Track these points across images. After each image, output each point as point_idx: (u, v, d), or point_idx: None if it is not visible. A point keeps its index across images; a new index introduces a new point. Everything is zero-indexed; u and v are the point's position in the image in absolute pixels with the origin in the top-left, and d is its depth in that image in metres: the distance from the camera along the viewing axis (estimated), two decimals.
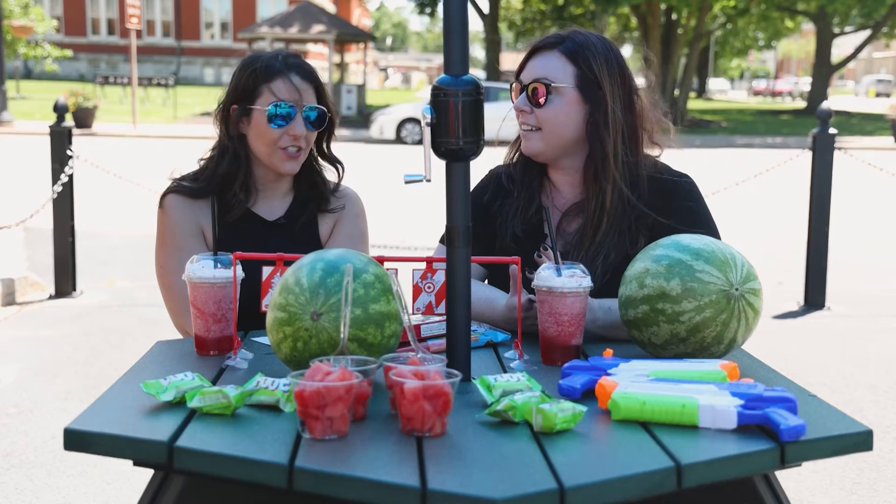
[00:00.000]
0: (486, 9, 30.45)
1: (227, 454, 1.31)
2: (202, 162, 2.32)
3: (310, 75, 2.26)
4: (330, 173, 2.41)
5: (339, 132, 2.42)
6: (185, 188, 2.28)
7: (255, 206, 2.32)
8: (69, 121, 6.40)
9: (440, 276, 1.81)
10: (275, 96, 2.20)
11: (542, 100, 2.10)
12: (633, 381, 1.51)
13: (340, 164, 2.40)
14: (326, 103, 2.29)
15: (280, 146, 2.22)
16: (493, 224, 2.23)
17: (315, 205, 2.35)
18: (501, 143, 2.32)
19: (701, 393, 1.44)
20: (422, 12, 35.53)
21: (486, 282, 2.26)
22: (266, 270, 1.81)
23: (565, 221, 2.18)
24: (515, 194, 2.21)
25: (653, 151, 2.21)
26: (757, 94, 66.73)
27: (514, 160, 2.27)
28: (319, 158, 2.38)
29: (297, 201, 2.35)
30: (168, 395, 1.49)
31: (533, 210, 2.19)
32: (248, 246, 2.12)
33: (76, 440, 1.39)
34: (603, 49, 2.12)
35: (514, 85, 2.19)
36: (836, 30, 35.31)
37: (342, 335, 1.50)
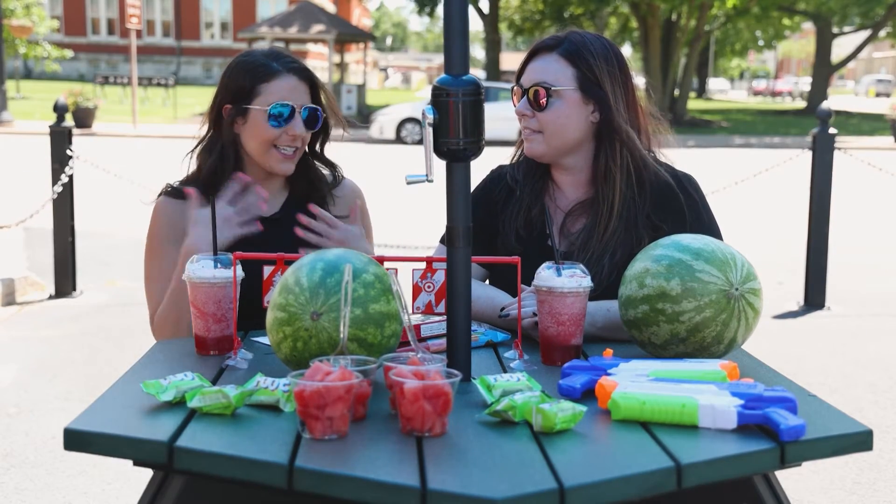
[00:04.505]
0: (486, 9, 30.47)
1: (227, 454, 1.31)
2: (189, 159, 2.31)
3: (307, 76, 2.25)
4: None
5: (339, 132, 2.42)
6: (179, 192, 2.27)
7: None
8: (69, 121, 6.40)
9: (440, 276, 1.81)
10: (274, 96, 2.20)
11: (542, 103, 2.10)
12: (633, 381, 1.51)
13: (335, 166, 2.39)
14: (321, 104, 2.28)
15: (276, 146, 2.22)
16: (496, 221, 2.23)
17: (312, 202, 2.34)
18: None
19: (701, 393, 1.44)
20: (421, 12, 35.52)
21: (487, 282, 2.26)
22: (267, 270, 1.81)
23: (569, 221, 2.18)
24: (518, 193, 2.22)
25: (654, 150, 2.22)
26: (757, 93, 66.75)
27: (518, 161, 2.27)
28: (315, 160, 2.37)
29: (292, 197, 2.34)
30: (168, 395, 1.49)
31: (536, 210, 2.19)
32: (244, 242, 2.12)
33: (76, 440, 1.39)
34: (601, 48, 2.12)
35: (514, 88, 2.19)
36: (836, 30, 35.32)
37: (342, 335, 1.50)
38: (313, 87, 2.27)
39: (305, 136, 2.25)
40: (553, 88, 2.09)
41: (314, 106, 2.25)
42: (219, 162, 2.24)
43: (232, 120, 2.23)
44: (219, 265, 1.79)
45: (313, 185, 2.34)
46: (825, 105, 6.36)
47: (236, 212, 2.14)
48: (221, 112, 2.25)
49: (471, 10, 1.57)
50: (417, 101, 29.80)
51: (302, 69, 2.25)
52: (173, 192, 2.28)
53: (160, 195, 2.30)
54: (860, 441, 1.41)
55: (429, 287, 1.82)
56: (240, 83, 2.22)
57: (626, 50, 44.48)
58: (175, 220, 2.24)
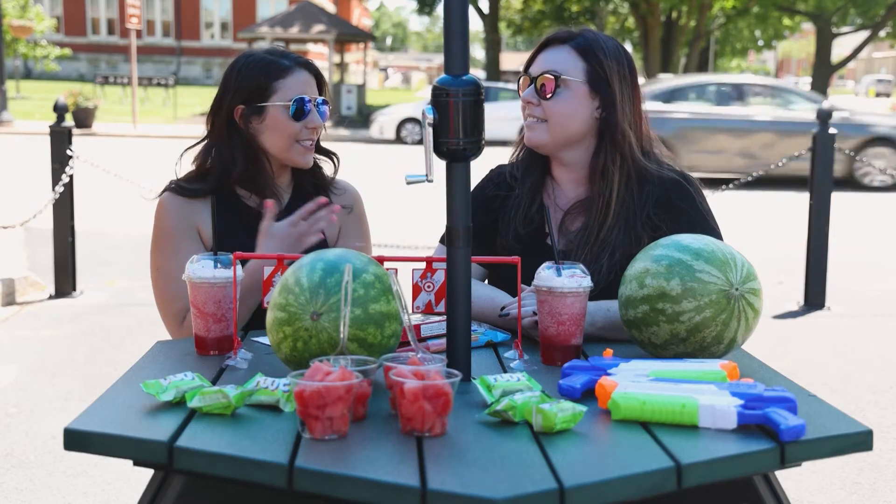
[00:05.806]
0: (486, 9, 30.48)
1: (227, 454, 1.31)
2: (194, 163, 2.30)
3: (313, 69, 2.30)
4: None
5: (340, 132, 2.44)
6: (185, 189, 2.27)
7: (255, 203, 2.31)
8: (69, 121, 6.40)
9: (440, 276, 1.81)
10: (291, 91, 2.23)
11: (549, 92, 2.11)
12: (633, 381, 1.51)
13: (335, 155, 2.42)
14: (326, 95, 2.34)
15: (298, 140, 2.24)
16: (495, 221, 2.23)
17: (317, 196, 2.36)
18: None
19: (701, 393, 1.44)
20: (422, 12, 35.53)
21: (487, 282, 2.26)
22: (267, 270, 1.81)
23: (568, 220, 2.18)
24: (517, 191, 2.22)
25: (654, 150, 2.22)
26: None
27: (518, 158, 2.28)
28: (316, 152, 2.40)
29: (296, 195, 2.35)
30: (168, 395, 1.49)
31: (535, 208, 2.19)
32: (249, 242, 2.13)
33: (76, 440, 1.39)
34: (614, 49, 2.15)
35: (521, 78, 2.20)
36: (836, 30, 35.31)
37: (342, 335, 1.50)
38: (318, 79, 2.32)
39: (322, 126, 2.29)
40: (562, 77, 2.11)
41: (323, 98, 2.30)
42: (239, 164, 2.24)
43: (248, 120, 2.24)
44: (219, 265, 1.79)
45: (318, 179, 2.37)
46: (825, 105, 6.36)
47: (307, 228, 2.14)
48: (232, 114, 2.25)
49: (471, 10, 1.57)
50: (417, 101, 29.78)
51: (308, 63, 2.30)
52: (178, 189, 2.27)
53: (164, 191, 2.29)
54: (860, 441, 1.41)
55: (428, 287, 1.82)
56: (254, 82, 2.23)
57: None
58: (185, 214, 2.25)
